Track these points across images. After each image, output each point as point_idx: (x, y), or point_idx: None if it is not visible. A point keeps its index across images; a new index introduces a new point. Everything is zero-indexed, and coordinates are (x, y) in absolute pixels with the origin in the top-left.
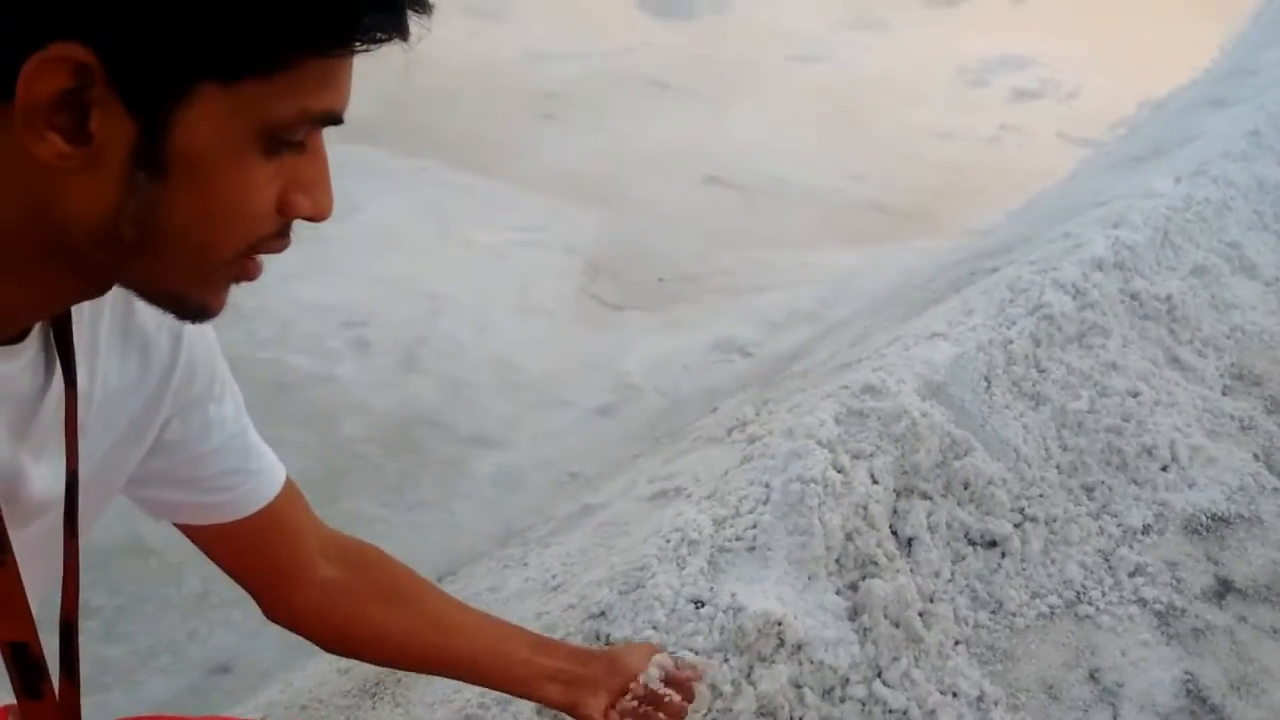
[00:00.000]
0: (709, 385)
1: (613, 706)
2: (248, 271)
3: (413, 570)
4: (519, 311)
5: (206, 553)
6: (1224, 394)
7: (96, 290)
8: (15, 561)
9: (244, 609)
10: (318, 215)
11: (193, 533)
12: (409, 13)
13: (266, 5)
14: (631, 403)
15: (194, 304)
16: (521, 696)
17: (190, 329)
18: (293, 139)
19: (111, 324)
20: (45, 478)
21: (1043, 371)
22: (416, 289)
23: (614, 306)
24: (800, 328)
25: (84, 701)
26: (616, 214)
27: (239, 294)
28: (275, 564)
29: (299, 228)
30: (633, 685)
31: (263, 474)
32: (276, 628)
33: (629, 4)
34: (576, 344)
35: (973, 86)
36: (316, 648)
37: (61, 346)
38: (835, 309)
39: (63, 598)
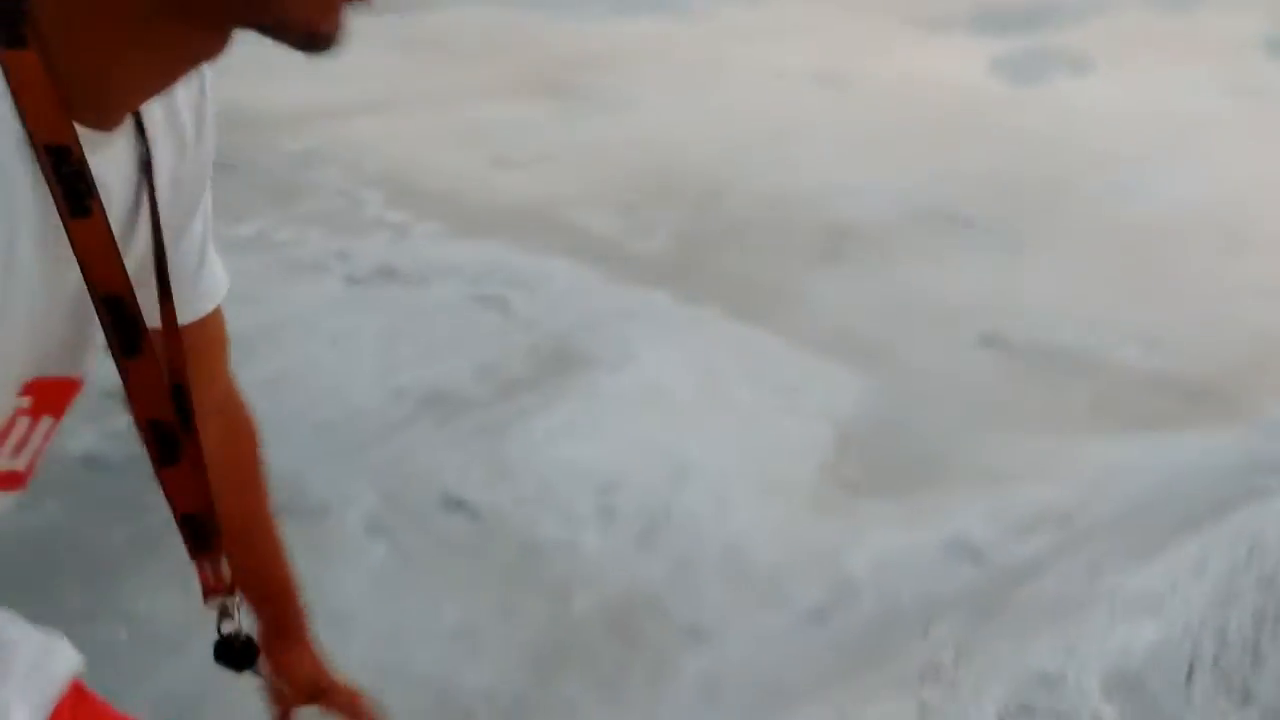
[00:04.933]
0: (930, 594)
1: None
2: None
3: (265, 477)
4: (760, 488)
5: None
6: None
7: (217, 40)
8: (154, 349)
9: None
10: None
11: None
12: None
13: None
14: (848, 608)
15: (297, 21)
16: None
17: (211, 113)
18: None
19: (159, 107)
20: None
21: (1259, 661)
22: (670, 453)
23: (854, 490)
24: (1044, 534)
25: None
26: (880, 377)
27: (508, 448)
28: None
29: (576, 385)
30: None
31: (207, 279)
32: None
33: (940, 125)
34: (808, 532)
35: None
36: None
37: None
38: (1089, 513)
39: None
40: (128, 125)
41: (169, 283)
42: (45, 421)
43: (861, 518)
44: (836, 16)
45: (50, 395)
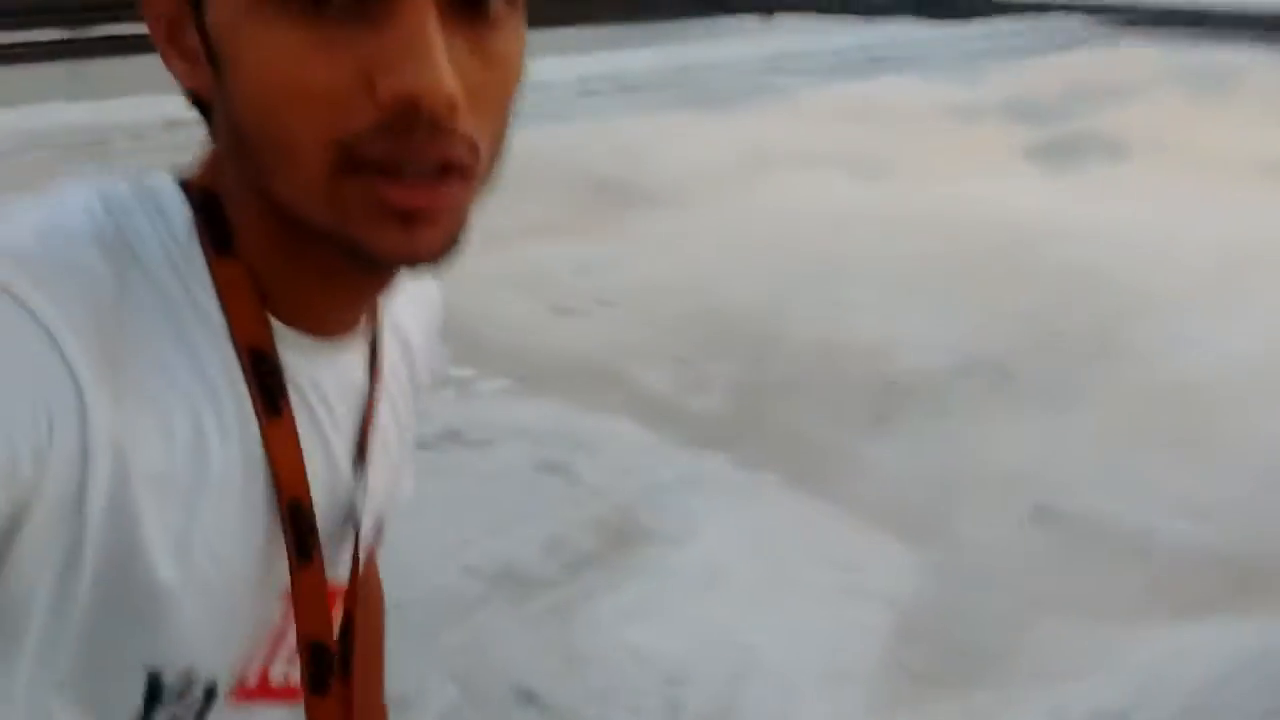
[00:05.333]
0: None
1: None
2: (384, 191)
3: (383, 662)
4: (824, 679)
5: None
6: None
7: (364, 278)
8: (322, 559)
9: None
10: (405, 95)
11: None
12: None
13: None
14: None
15: (345, 239)
16: None
17: (428, 322)
18: None
19: (387, 318)
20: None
21: None
22: (735, 639)
23: (916, 680)
24: None
25: None
26: (937, 555)
27: (577, 633)
28: None
29: (641, 561)
30: None
31: (406, 482)
32: None
33: (992, 265)
34: None
35: None
36: None
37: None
38: (1144, 711)
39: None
40: (361, 336)
41: (359, 501)
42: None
43: (924, 714)
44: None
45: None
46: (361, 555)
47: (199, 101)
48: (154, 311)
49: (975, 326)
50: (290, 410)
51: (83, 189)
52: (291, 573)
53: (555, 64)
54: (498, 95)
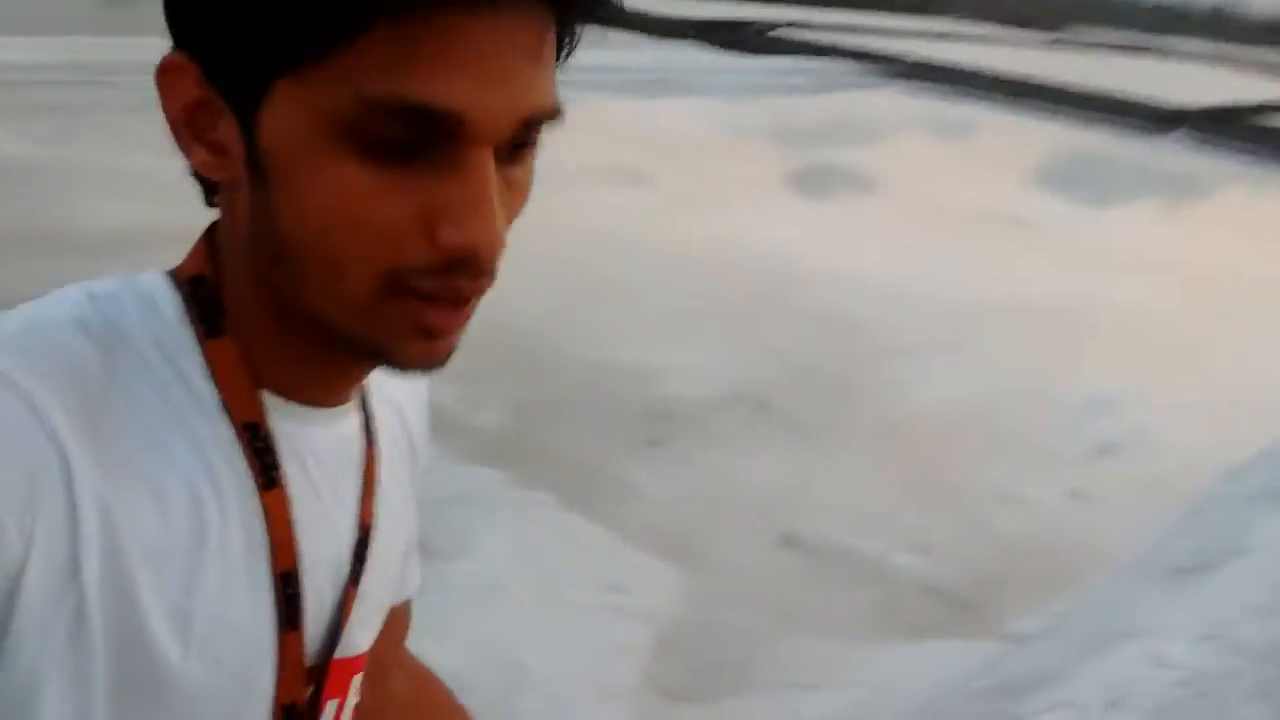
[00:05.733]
0: None
1: None
2: (423, 315)
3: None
4: (593, 694)
5: None
6: None
7: (346, 347)
8: (302, 627)
9: None
10: (471, 248)
11: None
12: None
13: None
14: None
15: (369, 344)
16: None
17: (416, 391)
18: (380, 134)
19: (375, 383)
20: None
21: None
22: (508, 654)
23: (672, 696)
24: None
25: None
26: (696, 577)
27: None
28: (370, 666)
29: (426, 575)
30: None
31: (413, 565)
32: None
33: (755, 300)
34: None
35: (1055, 434)
36: None
37: (362, 402)
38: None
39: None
40: (354, 405)
41: (364, 561)
42: (330, 706)
43: None
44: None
45: (335, 676)
46: (376, 619)
47: (204, 181)
48: (143, 390)
49: (738, 359)
50: (284, 482)
51: (70, 289)
52: (279, 638)
53: None
54: (515, 216)
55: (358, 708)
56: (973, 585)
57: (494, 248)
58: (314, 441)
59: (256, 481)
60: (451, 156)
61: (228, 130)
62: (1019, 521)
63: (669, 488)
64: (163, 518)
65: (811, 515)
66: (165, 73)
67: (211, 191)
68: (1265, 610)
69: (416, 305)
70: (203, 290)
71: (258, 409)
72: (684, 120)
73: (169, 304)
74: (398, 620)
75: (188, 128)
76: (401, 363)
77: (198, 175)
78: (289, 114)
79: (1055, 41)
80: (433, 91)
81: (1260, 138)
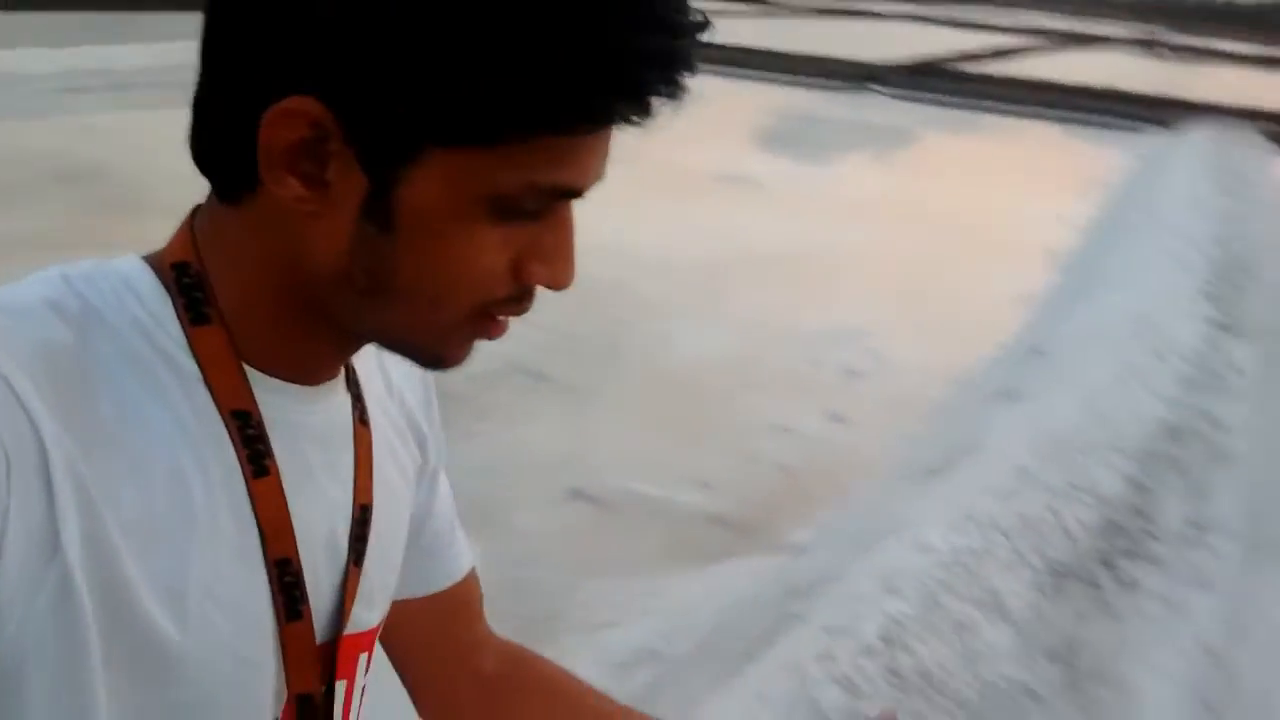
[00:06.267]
0: None
1: None
2: (488, 330)
3: (572, 674)
4: None
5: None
6: None
7: (352, 340)
8: (310, 616)
9: None
10: (554, 285)
11: None
12: (658, 95)
13: (494, 83)
14: None
15: (430, 354)
16: None
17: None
18: (526, 208)
19: (368, 363)
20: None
21: None
22: None
23: None
24: (642, 670)
25: None
26: (494, 541)
27: None
28: (445, 650)
29: None
30: None
31: (460, 545)
32: None
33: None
34: None
35: (807, 367)
36: None
37: (350, 382)
38: (676, 645)
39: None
40: (341, 380)
41: (365, 541)
42: (339, 687)
43: None
44: None
45: (343, 656)
46: (383, 588)
47: (240, 178)
48: (120, 368)
49: (509, 334)
50: (277, 468)
51: (44, 271)
52: (280, 630)
53: (38, 56)
54: None
55: (431, 694)
56: (751, 510)
57: (569, 285)
58: (305, 418)
59: (246, 470)
60: (553, 210)
61: (342, 175)
62: (786, 448)
63: (455, 462)
64: (143, 491)
65: (595, 469)
66: (288, 114)
67: (239, 189)
68: (1008, 492)
69: (489, 322)
70: (187, 277)
71: (247, 395)
72: None
73: (149, 288)
74: (465, 600)
75: (286, 161)
76: (446, 365)
77: (231, 169)
78: (440, 180)
79: (764, 10)
80: (579, 177)
81: (952, 87)
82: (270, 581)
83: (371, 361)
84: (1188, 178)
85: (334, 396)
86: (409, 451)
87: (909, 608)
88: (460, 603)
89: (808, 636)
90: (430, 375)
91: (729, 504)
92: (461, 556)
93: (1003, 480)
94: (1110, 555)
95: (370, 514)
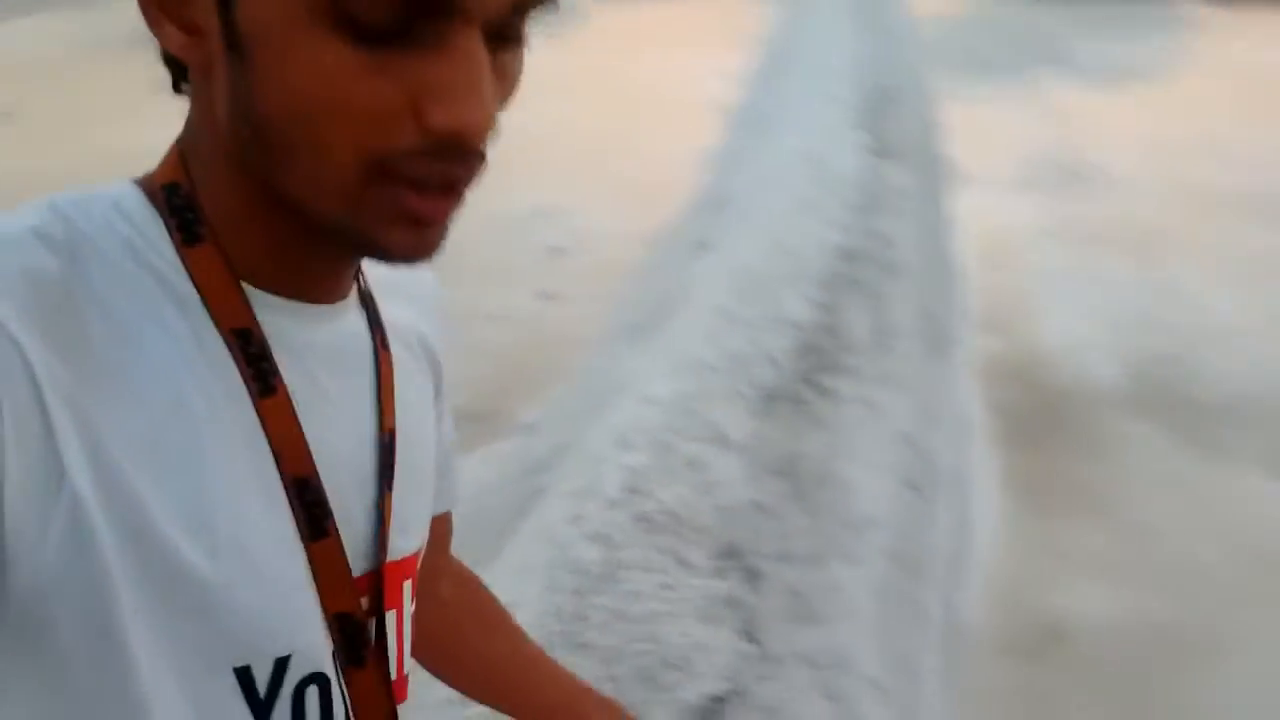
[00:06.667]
0: None
1: None
2: (406, 199)
3: (506, 609)
4: None
5: None
6: (716, 576)
7: (332, 242)
8: (337, 533)
9: None
10: (455, 127)
11: None
12: None
13: None
14: None
15: (358, 235)
16: None
17: (416, 281)
18: (379, 21)
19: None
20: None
21: (584, 620)
22: None
23: None
24: None
25: None
26: None
27: None
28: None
29: None
30: None
31: (454, 476)
32: None
33: None
34: None
35: (512, 249)
36: None
37: (367, 307)
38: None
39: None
40: (354, 301)
41: (393, 468)
42: (390, 617)
43: None
44: None
45: (388, 584)
46: (417, 515)
47: (174, 63)
48: (113, 291)
49: None
50: (284, 386)
51: (33, 201)
52: (307, 550)
53: None
54: (504, 107)
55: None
56: (481, 400)
57: (485, 128)
58: (312, 338)
59: (252, 389)
60: (440, 37)
61: (202, 7)
62: (503, 332)
63: None
64: (145, 416)
65: None
66: None
67: (181, 76)
68: (714, 333)
69: (405, 192)
70: (178, 198)
71: (247, 314)
72: (36, 41)
73: (140, 210)
74: (445, 529)
75: (164, 10)
76: (390, 253)
77: (167, 58)
78: None
79: None
80: None
81: None
82: (290, 501)
83: (385, 284)
84: (831, 18)
85: (344, 317)
86: (429, 379)
87: (644, 457)
88: (439, 532)
89: (556, 503)
90: (444, 302)
91: (459, 398)
92: (455, 488)
93: (708, 323)
94: (812, 373)
95: (395, 439)
